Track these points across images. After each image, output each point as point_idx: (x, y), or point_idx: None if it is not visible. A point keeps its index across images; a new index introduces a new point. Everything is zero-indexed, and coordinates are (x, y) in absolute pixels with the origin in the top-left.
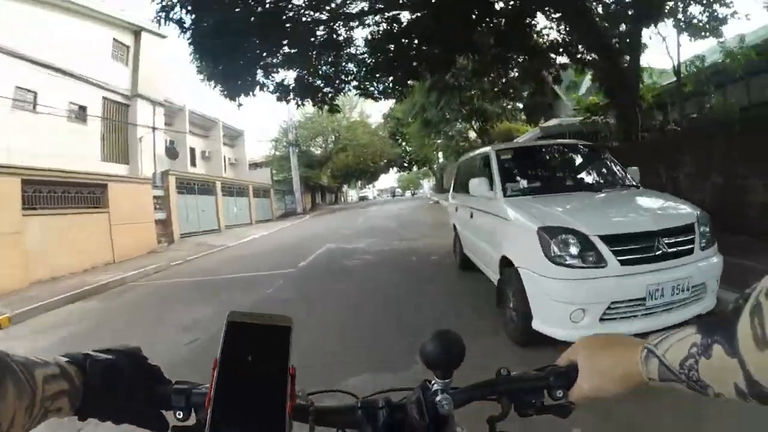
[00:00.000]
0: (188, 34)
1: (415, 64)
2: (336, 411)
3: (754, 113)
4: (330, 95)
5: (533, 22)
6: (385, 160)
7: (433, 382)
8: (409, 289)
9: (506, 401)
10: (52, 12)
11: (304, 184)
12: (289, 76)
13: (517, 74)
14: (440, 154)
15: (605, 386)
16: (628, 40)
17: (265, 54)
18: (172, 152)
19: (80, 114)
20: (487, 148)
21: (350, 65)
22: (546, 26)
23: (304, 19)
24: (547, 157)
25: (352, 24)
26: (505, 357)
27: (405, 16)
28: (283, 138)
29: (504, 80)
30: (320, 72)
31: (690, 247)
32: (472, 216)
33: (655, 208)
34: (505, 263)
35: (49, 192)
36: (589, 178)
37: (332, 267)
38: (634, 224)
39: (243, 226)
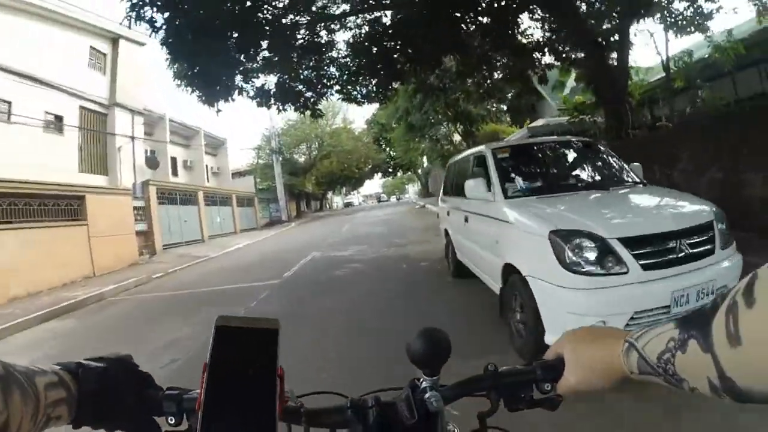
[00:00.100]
0: (160, 34)
1: (399, 66)
2: (326, 411)
3: (745, 106)
4: (312, 100)
5: (518, 20)
6: (370, 166)
7: (421, 380)
8: (406, 303)
9: (495, 396)
10: (27, 19)
11: (288, 192)
12: (269, 80)
13: (502, 75)
14: (425, 159)
15: (590, 379)
16: (616, 36)
17: (243, 58)
18: (152, 162)
19: (57, 124)
20: (481, 147)
21: (332, 69)
22: (530, 26)
23: (284, 21)
24: (548, 155)
25: (333, 27)
26: None
27: (387, 17)
28: (266, 146)
29: (489, 81)
30: (302, 76)
31: (710, 246)
32: (467, 220)
33: (670, 207)
34: (509, 271)
35: (24, 204)
36: (593, 176)
37: (319, 278)
38: (653, 225)
39: (227, 236)
